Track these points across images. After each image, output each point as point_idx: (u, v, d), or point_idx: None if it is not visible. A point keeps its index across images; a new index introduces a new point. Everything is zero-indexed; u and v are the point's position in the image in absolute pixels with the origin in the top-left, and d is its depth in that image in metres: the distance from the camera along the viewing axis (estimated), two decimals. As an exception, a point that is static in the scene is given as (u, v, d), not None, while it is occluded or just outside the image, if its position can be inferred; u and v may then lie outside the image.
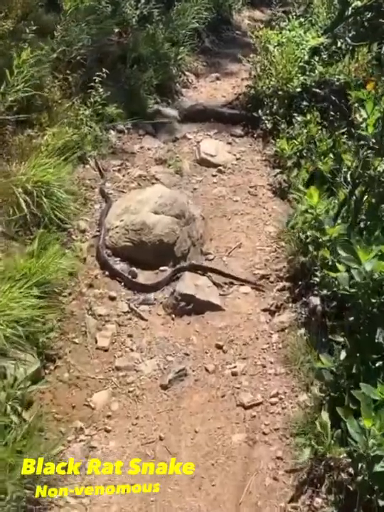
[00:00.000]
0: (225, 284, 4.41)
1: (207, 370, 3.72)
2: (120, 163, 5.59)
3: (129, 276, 4.33)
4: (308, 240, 4.15)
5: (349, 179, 3.96)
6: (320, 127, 5.43)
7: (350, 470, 2.93)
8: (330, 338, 3.42)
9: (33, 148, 4.79)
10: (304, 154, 5.40)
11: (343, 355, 3.20)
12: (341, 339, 3.31)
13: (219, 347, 3.89)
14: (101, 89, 5.60)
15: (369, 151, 3.69)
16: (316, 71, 5.99)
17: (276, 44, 6.59)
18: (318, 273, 3.88)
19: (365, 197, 3.73)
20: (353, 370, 3.10)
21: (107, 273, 4.33)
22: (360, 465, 2.77)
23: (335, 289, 3.51)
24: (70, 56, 5.71)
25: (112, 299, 4.14)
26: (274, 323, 4.03)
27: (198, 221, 4.89)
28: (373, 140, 3.63)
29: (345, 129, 5.13)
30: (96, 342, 3.80)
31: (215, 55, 8.37)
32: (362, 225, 3.70)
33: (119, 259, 4.47)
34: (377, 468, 2.67)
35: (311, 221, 4.10)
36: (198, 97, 7.16)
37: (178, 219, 4.67)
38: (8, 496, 2.66)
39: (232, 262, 4.65)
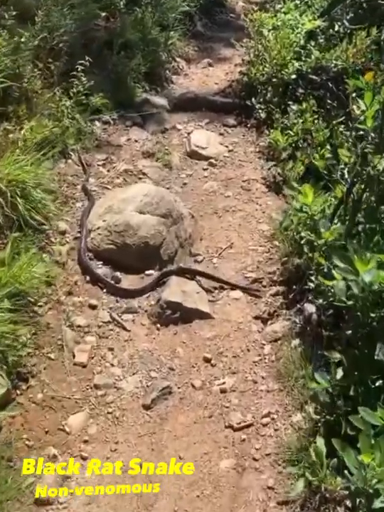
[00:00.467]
0: (215, 288, 4.12)
1: (193, 386, 3.44)
2: (105, 157, 5.26)
3: (112, 282, 4.04)
4: (302, 242, 3.85)
5: (346, 176, 3.66)
6: (316, 116, 5.13)
7: (348, 503, 2.68)
8: (326, 353, 3.14)
9: (10, 143, 4.49)
10: (300, 145, 5.11)
11: (339, 373, 2.92)
12: (338, 355, 3.02)
13: (207, 360, 3.60)
14: (84, 78, 5.27)
15: (368, 146, 3.39)
16: (312, 56, 5.64)
17: (270, 28, 6.26)
18: (313, 278, 3.59)
19: (364, 197, 3.43)
20: (351, 392, 2.83)
21: (88, 278, 4.03)
22: (358, 500, 2.53)
23: (331, 299, 3.22)
24: (52, 43, 5.41)
25: (93, 307, 3.85)
26: (266, 333, 3.75)
27: (186, 220, 4.57)
28: (372, 134, 3.33)
29: (343, 118, 4.81)
30: (73, 357, 3.50)
31: (208, 39, 8.01)
32: (360, 227, 3.40)
33: (101, 262, 4.17)
34: (377, 504, 2.42)
35: (306, 221, 3.80)
36: (188, 85, 6.82)
37: (165, 219, 4.37)
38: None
39: (223, 263, 4.36)
